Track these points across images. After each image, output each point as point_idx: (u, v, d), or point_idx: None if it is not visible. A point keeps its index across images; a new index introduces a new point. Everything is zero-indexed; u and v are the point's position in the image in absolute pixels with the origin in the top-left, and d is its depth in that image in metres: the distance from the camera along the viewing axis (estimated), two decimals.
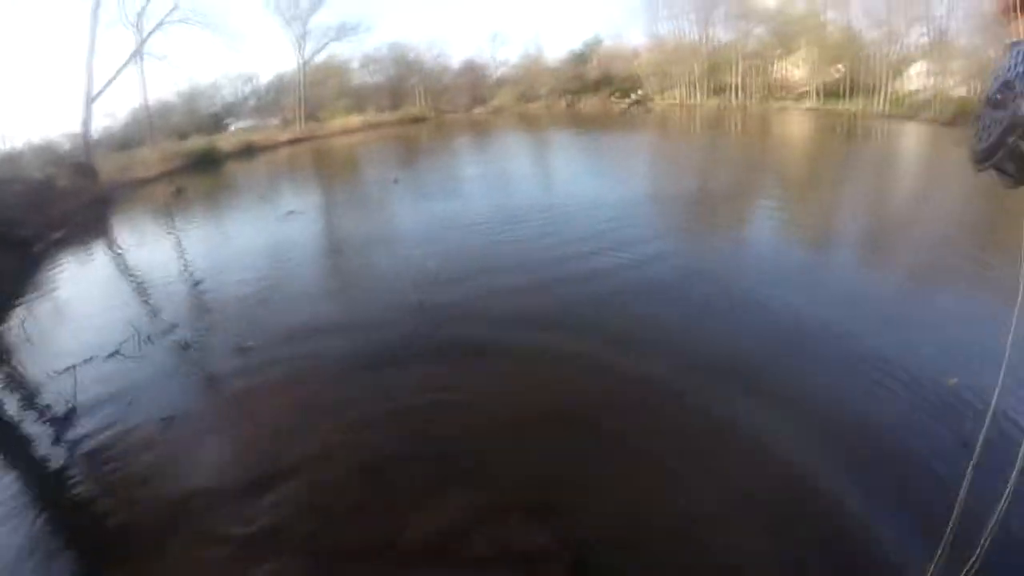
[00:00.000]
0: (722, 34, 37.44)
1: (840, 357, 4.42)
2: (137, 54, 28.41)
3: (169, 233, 12.55)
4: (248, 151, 30.99)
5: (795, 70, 35.31)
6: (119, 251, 11.74)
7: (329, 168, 23.67)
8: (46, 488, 3.60)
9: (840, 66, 30.85)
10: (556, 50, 53.59)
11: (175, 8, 28.52)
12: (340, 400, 4.08)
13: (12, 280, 9.16)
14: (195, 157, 27.50)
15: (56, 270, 10.41)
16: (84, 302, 7.96)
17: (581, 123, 29.82)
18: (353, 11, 66.51)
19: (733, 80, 35.84)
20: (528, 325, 5.12)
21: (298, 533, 2.85)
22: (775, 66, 35.90)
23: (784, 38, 34.51)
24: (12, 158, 19.97)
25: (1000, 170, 1.31)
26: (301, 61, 39.26)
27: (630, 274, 6.30)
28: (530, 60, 49.07)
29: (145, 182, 23.43)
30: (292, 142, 34.29)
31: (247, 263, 8.30)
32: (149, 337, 5.71)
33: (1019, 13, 1.28)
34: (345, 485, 3.20)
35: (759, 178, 12.64)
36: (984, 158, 1.34)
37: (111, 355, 5.41)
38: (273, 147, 33.10)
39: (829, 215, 9.52)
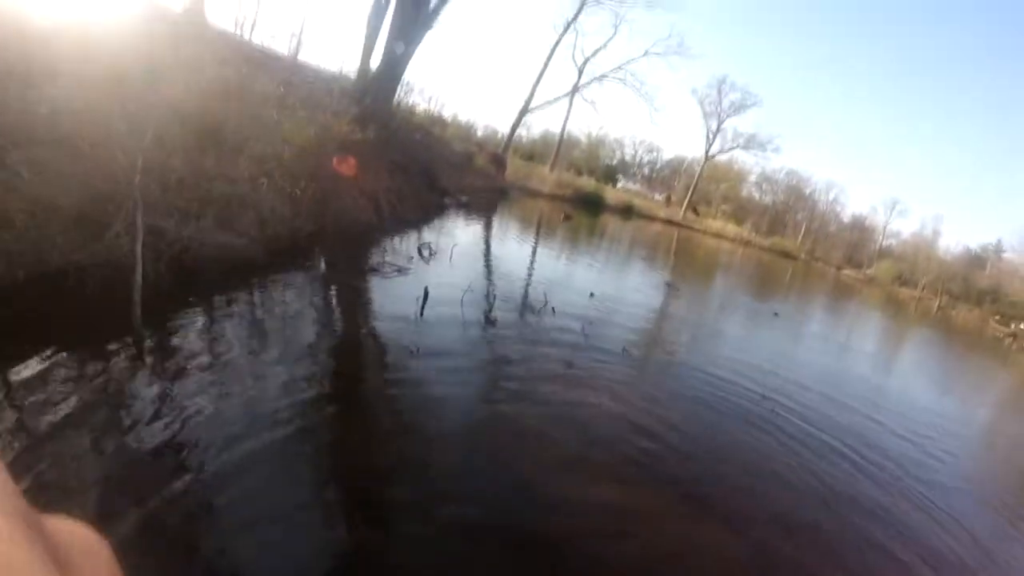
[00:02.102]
0: None
1: None
2: (572, 92, 32.34)
3: (538, 245, 13.48)
4: (626, 210, 32.33)
5: None
6: (496, 236, 13.16)
7: (695, 261, 22.07)
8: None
9: None
10: (952, 239, 45.45)
11: (619, 68, 31.96)
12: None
13: (428, 212, 12.33)
14: (582, 194, 29.91)
15: (453, 221, 12.73)
16: (464, 250, 9.21)
17: (951, 332, 23.70)
18: (768, 127, 66.91)
19: None
20: None
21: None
22: None
23: None
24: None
25: None
26: (705, 154, 39.57)
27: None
28: (920, 242, 44.12)
29: (536, 194, 26.20)
30: (667, 221, 34.70)
31: (627, 298, 8.83)
32: (533, 308, 6.10)
33: None
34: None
35: None
36: None
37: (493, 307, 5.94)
38: (648, 217, 33.87)
39: None
